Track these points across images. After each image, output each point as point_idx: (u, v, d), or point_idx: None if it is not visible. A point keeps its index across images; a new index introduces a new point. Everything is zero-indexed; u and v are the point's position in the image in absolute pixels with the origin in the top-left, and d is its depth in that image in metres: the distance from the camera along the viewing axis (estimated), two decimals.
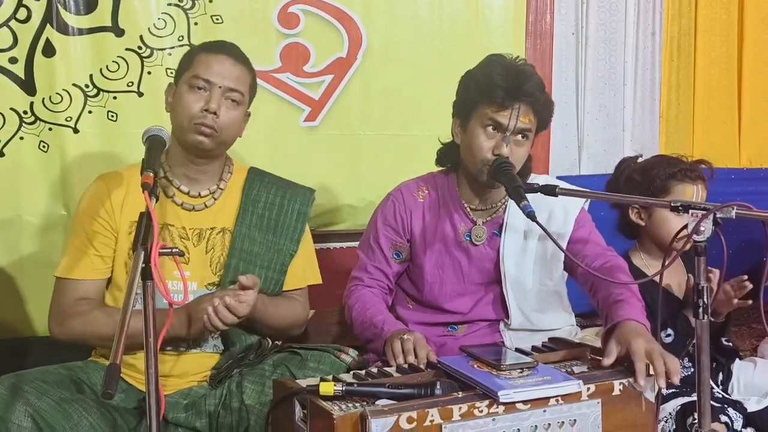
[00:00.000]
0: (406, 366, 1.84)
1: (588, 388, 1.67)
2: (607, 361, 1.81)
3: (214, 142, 2.10)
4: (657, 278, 1.96)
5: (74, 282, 2.10)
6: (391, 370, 1.84)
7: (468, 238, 2.26)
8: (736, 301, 2.39)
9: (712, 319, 2.52)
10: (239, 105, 2.14)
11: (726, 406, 2.34)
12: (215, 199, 2.19)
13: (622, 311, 1.93)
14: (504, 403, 1.57)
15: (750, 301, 2.42)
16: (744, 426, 2.36)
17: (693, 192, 2.49)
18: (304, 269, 2.31)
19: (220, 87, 2.09)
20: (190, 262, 2.13)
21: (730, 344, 2.61)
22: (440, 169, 2.35)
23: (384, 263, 2.28)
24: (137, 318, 1.49)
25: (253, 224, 2.21)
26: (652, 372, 1.76)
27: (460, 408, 1.55)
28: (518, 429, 1.59)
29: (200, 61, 2.12)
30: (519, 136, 2.10)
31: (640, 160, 2.65)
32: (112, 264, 2.13)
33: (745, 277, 2.42)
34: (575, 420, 1.64)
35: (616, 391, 1.71)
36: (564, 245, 2.18)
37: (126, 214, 2.13)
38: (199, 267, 2.13)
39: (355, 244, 2.42)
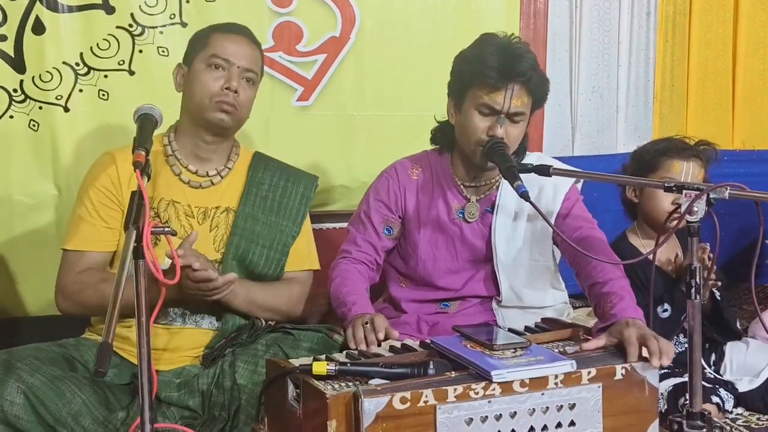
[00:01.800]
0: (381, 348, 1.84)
1: (589, 372, 1.64)
2: (590, 345, 1.79)
3: (233, 120, 2.14)
4: (650, 256, 1.97)
5: (81, 254, 2.11)
6: (384, 350, 1.83)
7: (461, 216, 2.26)
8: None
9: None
10: (254, 84, 2.19)
11: (717, 386, 2.35)
12: (222, 177, 2.21)
13: (617, 309, 1.90)
14: (497, 383, 1.56)
15: (719, 282, 2.45)
16: (735, 406, 2.38)
17: (682, 168, 2.50)
18: (306, 252, 2.33)
19: (238, 67, 2.13)
20: None
21: (738, 327, 2.63)
22: (434, 147, 2.34)
23: (374, 237, 2.28)
24: (132, 285, 1.46)
25: (257, 204, 2.23)
26: (645, 354, 1.74)
27: (455, 389, 1.53)
28: (515, 412, 1.57)
29: (217, 40, 2.14)
30: (514, 117, 2.09)
31: None
32: (119, 237, 2.13)
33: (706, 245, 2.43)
34: (574, 404, 1.62)
35: (618, 376, 1.68)
36: (552, 222, 2.18)
37: (132, 189, 2.12)
38: (202, 244, 2.11)
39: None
